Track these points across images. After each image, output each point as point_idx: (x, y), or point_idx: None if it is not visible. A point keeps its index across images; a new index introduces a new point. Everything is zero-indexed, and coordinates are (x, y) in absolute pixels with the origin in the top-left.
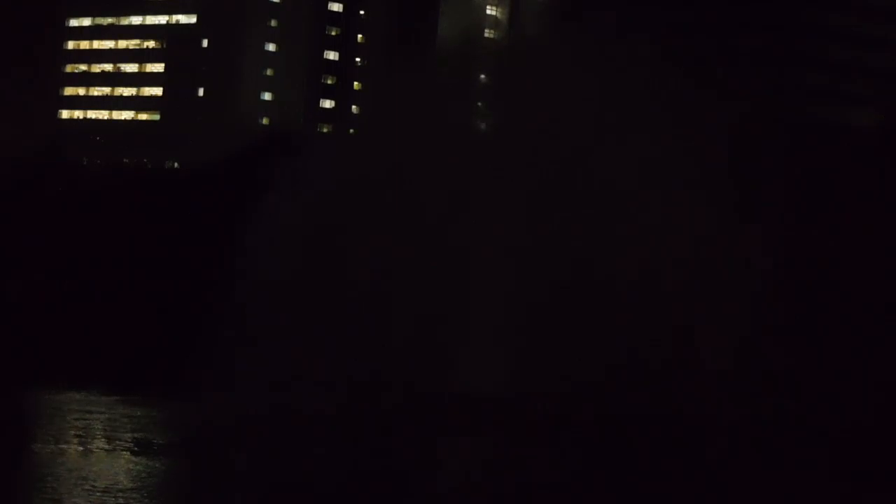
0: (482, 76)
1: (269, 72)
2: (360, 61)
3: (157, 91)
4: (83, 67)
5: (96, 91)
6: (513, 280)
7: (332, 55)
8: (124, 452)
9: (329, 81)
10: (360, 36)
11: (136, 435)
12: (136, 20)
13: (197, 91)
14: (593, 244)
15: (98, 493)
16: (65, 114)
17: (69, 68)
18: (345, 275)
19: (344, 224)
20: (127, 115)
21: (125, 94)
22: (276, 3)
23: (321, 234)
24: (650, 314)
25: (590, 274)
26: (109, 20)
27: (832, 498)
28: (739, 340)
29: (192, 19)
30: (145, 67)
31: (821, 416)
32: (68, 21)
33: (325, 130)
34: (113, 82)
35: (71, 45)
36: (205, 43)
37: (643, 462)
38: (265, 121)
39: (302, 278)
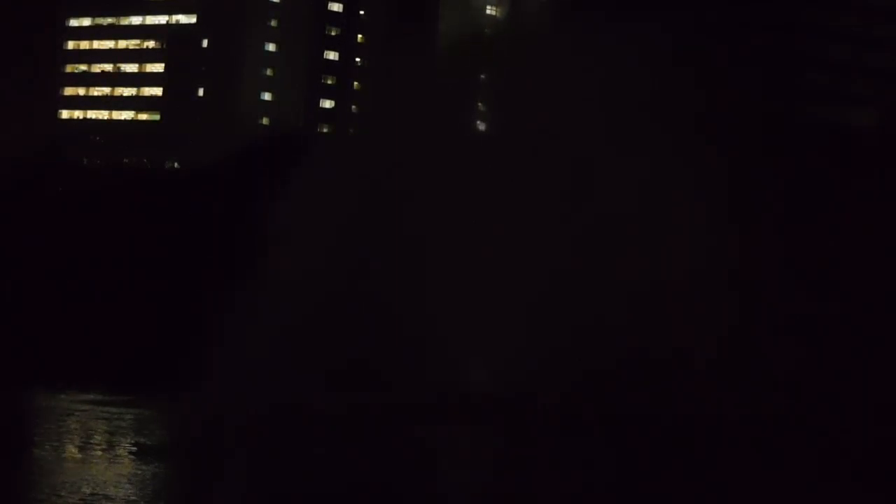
0: (482, 76)
1: (269, 72)
2: (360, 61)
3: (157, 91)
4: (83, 67)
5: (96, 91)
6: (513, 279)
7: (332, 55)
8: (123, 453)
9: (329, 81)
10: (360, 36)
11: (135, 435)
12: (136, 20)
13: (197, 91)
14: (594, 243)
15: (97, 495)
16: (65, 114)
17: (69, 68)
18: (345, 275)
19: (344, 224)
20: (127, 115)
21: (125, 94)
22: (276, 3)
23: (321, 233)
24: (650, 314)
25: (590, 273)
26: (109, 20)
27: (831, 498)
28: (739, 340)
29: (192, 19)
30: (145, 67)
31: (821, 416)
32: (68, 21)
33: (325, 130)
34: (113, 82)
35: (71, 45)
36: (205, 43)
37: (643, 462)
38: (265, 121)
39: (302, 278)
